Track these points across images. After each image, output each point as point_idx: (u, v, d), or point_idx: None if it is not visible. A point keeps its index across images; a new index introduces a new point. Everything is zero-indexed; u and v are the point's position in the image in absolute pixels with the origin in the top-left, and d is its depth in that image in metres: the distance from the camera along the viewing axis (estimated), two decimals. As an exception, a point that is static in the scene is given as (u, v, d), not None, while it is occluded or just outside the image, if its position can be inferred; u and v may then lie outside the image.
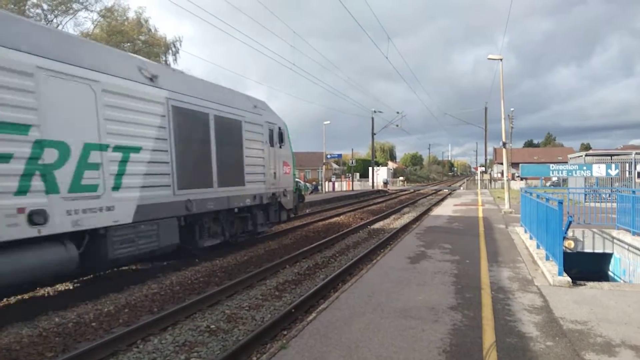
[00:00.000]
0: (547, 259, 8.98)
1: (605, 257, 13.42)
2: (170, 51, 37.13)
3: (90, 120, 7.87)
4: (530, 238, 11.76)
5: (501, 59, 22.42)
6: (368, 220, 20.02)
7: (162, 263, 10.98)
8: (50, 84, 7.15)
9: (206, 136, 11.05)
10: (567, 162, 30.34)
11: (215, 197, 11.37)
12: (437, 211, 22.44)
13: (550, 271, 8.08)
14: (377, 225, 19.18)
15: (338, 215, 22.98)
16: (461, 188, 55.76)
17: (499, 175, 64.87)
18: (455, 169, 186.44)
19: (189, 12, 31.37)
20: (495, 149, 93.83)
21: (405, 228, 17.27)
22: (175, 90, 10.03)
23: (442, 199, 33.84)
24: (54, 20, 30.33)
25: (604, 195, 21.25)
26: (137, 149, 8.84)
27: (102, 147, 8.09)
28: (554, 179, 38.69)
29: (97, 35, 32.36)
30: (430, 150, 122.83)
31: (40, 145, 6.93)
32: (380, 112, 52.15)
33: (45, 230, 6.98)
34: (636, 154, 24.83)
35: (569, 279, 7.55)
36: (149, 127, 9.15)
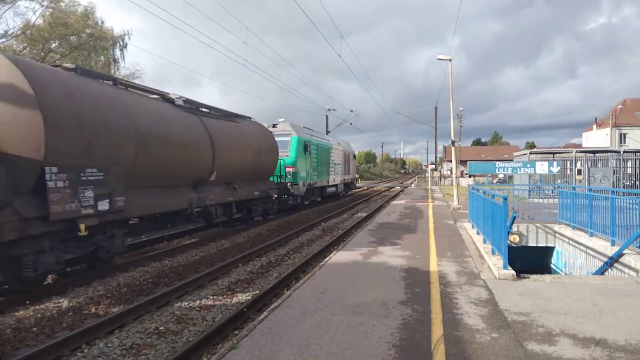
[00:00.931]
0: (493, 253, 9.28)
1: (548, 251, 14.03)
2: (118, 45, 35.83)
3: (338, 157, 33.10)
4: (478, 233, 12.13)
5: (450, 60, 22.99)
6: (322, 218, 20.09)
7: (109, 265, 10.60)
8: (334, 150, 31.73)
9: (347, 159, 36.31)
10: (512, 160, 31.49)
11: (344, 179, 35.02)
12: (389, 208, 22.81)
13: (495, 265, 8.36)
14: (331, 222, 19.27)
15: (293, 213, 22.96)
16: (413, 185, 56.88)
17: (449, 172, 66.57)
18: (407, 166, 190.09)
19: (138, 6, 30.42)
20: (445, 147, 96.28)
21: (358, 225, 17.44)
22: (344, 148, 35.82)
23: (394, 196, 34.43)
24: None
25: (546, 192, 22.21)
26: (338, 165, 32.77)
27: (336, 164, 31.87)
28: (501, 176, 40.04)
29: (40, 27, 30.83)
30: (383, 148, 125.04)
31: (335, 164, 31.70)
32: (334, 110, 52.53)
33: (333, 183, 31.16)
34: (576, 152, 26.10)
35: (513, 272, 7.83)
36: (337, 157, 32.54)
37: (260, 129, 18.33)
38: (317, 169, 26.56)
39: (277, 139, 20.13)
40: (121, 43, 36.05)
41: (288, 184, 21.49)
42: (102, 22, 34.83)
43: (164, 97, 12.71)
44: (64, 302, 7.84)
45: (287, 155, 22.19)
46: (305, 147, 23.65)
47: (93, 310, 7.54)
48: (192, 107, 13.79)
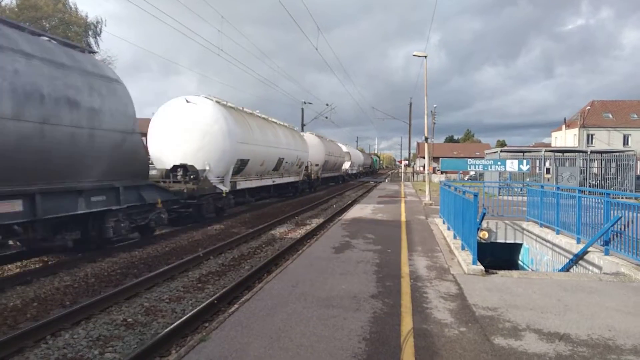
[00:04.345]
0: (463, 248, 9.42)
1: (516, 247, 14.33)
2: (90, 32, 34.85)
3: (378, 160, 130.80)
4: (448, 229, 12.30)
5: (425, 57, 23.17)
6: (297, 211, 20.08)
7: (77, 254, 10.37)
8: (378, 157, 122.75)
9: (368, 161, 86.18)
10: (484, 158, 32.03)
11: (376, 168, 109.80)
12: (363, 202, 22.93)
13: (465, 260, 8.50)
14: (305, 216, 19.28)
15: (266, 206, 22.87)
16: (386, 180, 57.33)
17: (422, 168, 67.34)
18: (382, 162, 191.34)
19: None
20: (418, 143, 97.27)
21: (331, 219, 17.49)
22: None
23: (368, 191, 34.62)
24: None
25: (516, 189, 22.67)
26: (378, 162, 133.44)
27: (377, 161, 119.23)
28: (472, 173, 40.67)
29: (6, 8, 29.82)
30: (358, 143, 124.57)
31: (378, 162, 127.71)
32: (310, 103, 52.13)
33: (377, 168, 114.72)
34: (545, 151, 26.71)
35: (482, 267, 7.97)
36: (379, 160, 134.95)
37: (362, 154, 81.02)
38: (377, 163, 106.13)
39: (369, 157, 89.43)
40: (94, 30, 35.14)
41: (376, 167, 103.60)
42: (75, 8, 33.91)
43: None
44: (29, 292, 7.65)
45: (374, 161, 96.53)
46: (377, 159, 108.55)
47: (59, 301, 7.38)
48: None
